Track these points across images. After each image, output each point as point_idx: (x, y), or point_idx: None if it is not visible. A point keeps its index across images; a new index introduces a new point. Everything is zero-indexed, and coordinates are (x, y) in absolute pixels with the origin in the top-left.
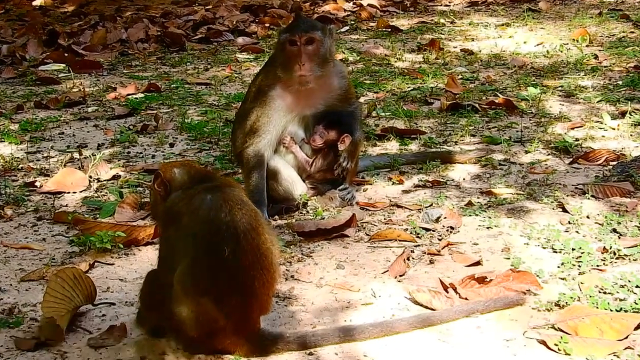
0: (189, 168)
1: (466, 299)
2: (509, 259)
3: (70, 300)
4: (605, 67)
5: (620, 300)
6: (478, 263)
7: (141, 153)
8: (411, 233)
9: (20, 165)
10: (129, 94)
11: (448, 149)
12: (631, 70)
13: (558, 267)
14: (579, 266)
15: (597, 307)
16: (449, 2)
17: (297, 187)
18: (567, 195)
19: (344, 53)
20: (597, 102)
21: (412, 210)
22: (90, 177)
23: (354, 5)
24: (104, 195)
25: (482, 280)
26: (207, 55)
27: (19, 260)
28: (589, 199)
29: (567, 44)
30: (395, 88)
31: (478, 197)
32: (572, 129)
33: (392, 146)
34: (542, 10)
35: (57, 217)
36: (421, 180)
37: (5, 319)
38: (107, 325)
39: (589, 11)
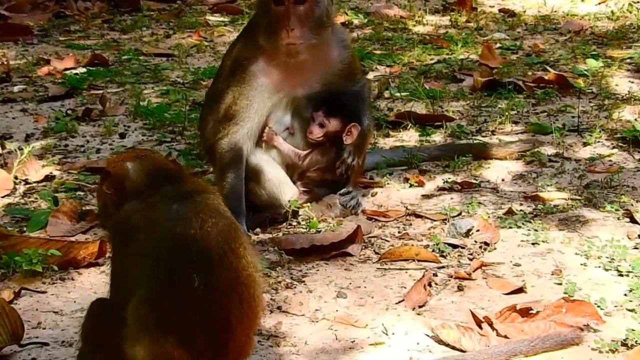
0: (148, 162)
1: (506, 337)
2: (560, 284)
3: None
4: None
5: None
6: (521, 290)
7: (82, 146)
8: (434, 251)
9: None
10: (66, 69)
11: (482, 140)
12: None
13: (625, 294)
14: None
15: None
16: None
17: (286, 191)
18: (637, 202)
19: (346, 14)
20: None
21: (434, 220)
22: (16, 177)
23: None
24: (33, 201)
25: (526, 312)
26: (168, 18)
27: None
28: None
29: (638, 2)
30: (414, 60)
31: (521, 204)
32: None
33: (409, 137)
34: None
35: None
36: (447, 182)
37: None
38: None
39: None
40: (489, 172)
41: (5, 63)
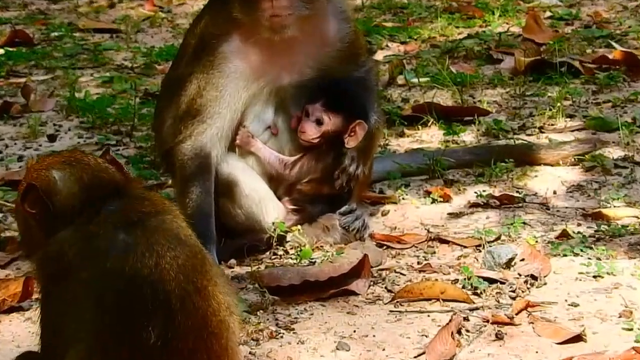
0: (83, 171)
1: None
2: (631, 329)
3: None
4: None
5: None
6: (579, 338)
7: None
8: (464, 287)
9: None
10: None
11: (527, 140)
12: None
13: None
14: None
15: None
16: None
17: (269, 210)
18: None
19: None
20: None
21: (465, 247)
22: None
23: None
24: None
25: None
26: None
27: None
28: None
29: None
30: (437, 35)
31: (579, 224)
32: None
33: (431, 136)
34: None
35: None
36: (481, 196)
37: None
38: None
39: None
40: (536, 183)
41: None
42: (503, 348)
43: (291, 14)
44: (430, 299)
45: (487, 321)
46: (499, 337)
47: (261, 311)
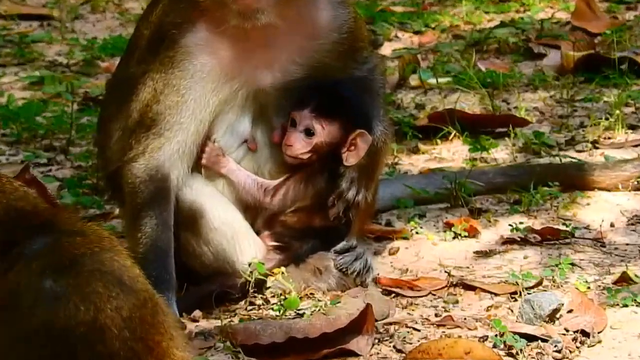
0: None
1: None
2: None
3: None
4: None
5: None
6: None
7: None
8: (495, 346)
9: None
10: None
11: (577, 158)
12: None
13: None
14: None
15: None
16: None
17: (244, 247)
18: None
19: None
20: None
21: (497, 295)
22: None
23: None
24: None
25: None
26: None
27: None
28: None
29: None
30: (461, 23)
31: None
32: None
33: (453, 153)
34: None
35: None
36: (517, 229)
37: None
38: None
39: None
40: (589, 213)
41: None
42: None
43: None
44: None
45: None
46: None
47: None
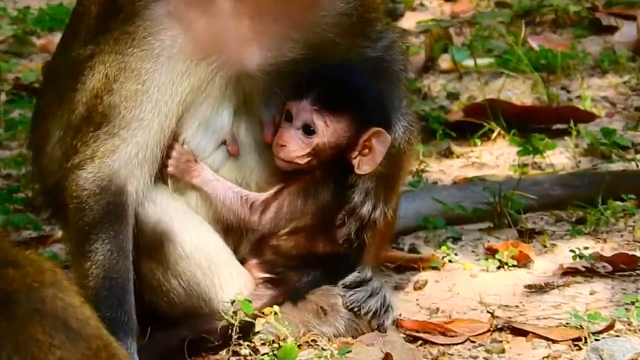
0: None
1: None
2: None
3: None
4: None
5: None
6: None
7: None
8: None
9: None
10: None
11: None
12: None
13: None
14: None
15: None
16: None
17: (225, 280)
18: None
19: None
20: None
21: (555, 342)
22: None
23: None
24: None
25: None
26: None
27: None
28: None
29: None
30: None
31: None
32: None
33: (496, 157)
34: None
35: None
36: (582, 256)
37: None
38: None
39: None
40: None
41: None
42: None
43: None
44: None
45: None
46: None
47: None
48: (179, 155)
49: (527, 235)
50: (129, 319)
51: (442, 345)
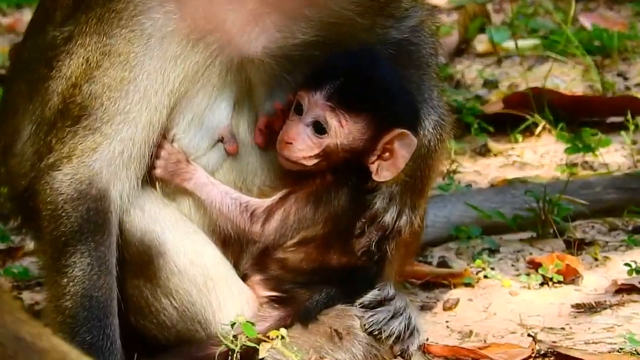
0: None
1: None
2: None
3: None
4: None
5: None
6: None
7: None
8: None
9: None
10: None
11: None
12: None
13: None
14: None
15: None
16: None
17: (224, 299)
18: None
19: None
20: None
21: None
22: None
23: None
24: None
25: None
26: None
27: None
28: None
29: None
30: None
31: None
32: None
33: (541, 155)
34: None
35: None
36: (638, 270)
37: None
38: None
39: None
40: None
41: None
42: None
43: None
44: None
45: None
46: None
47: None
48: (167, 154)
49: (576, 246)
50: (112, 344)
51: None
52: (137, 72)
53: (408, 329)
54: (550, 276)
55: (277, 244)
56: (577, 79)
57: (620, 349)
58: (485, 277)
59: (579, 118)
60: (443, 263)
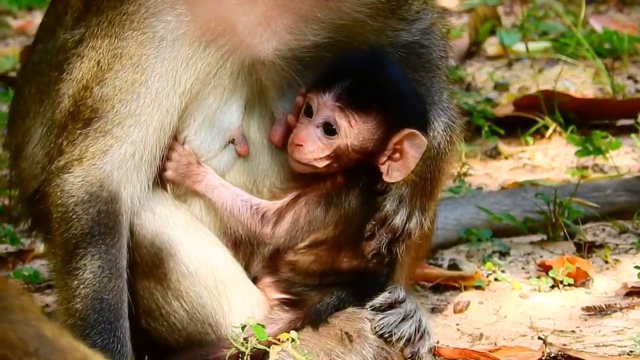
0: None
1: None
2: None
3: None
4: None
5: None
6: None
7: None
8: None
9: None
10: None
11: None
12: None
13: None
14: None
15: None
16: None
17: (234, 301)
18: None
19: None
20: None
21: None
22: None
23: None
24: None
25: None
26: None
27: None
28: None
29: None
30: None
31: None
32: None
33: (551, 158)
34: None
35: None
36: None
37: None
38: None
39: None
40: None
41: None
42: None
43: None
44: None
45: None
46: None
47: None
48: (178, 156)
49: (586, 249)
50: (123, 346)
51: None
52: (148, 74)
53: (419, 331)
54: (560, 279)
55: (287, 246)
56: (588, 81)
57: (631, 351)
58: (496, 279)
59: (590, 121)
60: (454, 266)
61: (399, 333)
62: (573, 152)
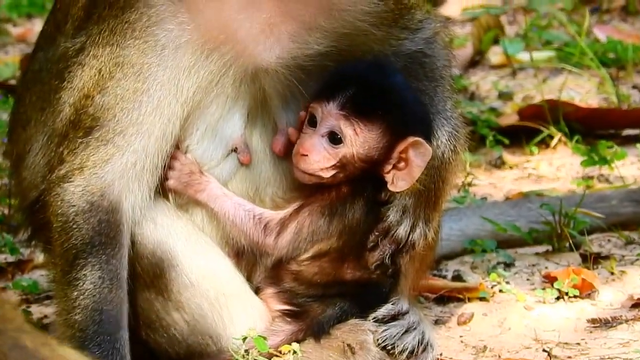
0: None
1: None
2: None
3: None
4: None
5: None
6: None
7: None
8: None
9: None
10: None
11: None
12: None
13: None
14: None
15: None
16: None
17: (236, 312)
18: None
19: None
20: None
21: None
22: None
23: None
24: None
25: None
26: None
27: None
28: None
29: None
30: None
31: None
32: None
33: (557, 168)
34: None
35: None
36: None
37: None
38: None
39: None
40: None
41: None
42: None
43: None
44: None
45: None
46: None
47: None
48: (181, 165)
49: (592, 260)
50: (122, 358)
51: None
52: (150, 82)
53: (422, 343)
54: (566, 290)
55: (290, 256)
56: (592, 91)
57: None
58: (501, 291)
59: (595, 130)
60: (458, 277)
61: (402, 345)
62: (578, 162)
